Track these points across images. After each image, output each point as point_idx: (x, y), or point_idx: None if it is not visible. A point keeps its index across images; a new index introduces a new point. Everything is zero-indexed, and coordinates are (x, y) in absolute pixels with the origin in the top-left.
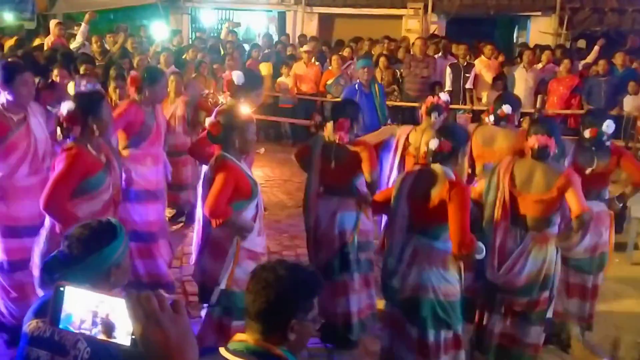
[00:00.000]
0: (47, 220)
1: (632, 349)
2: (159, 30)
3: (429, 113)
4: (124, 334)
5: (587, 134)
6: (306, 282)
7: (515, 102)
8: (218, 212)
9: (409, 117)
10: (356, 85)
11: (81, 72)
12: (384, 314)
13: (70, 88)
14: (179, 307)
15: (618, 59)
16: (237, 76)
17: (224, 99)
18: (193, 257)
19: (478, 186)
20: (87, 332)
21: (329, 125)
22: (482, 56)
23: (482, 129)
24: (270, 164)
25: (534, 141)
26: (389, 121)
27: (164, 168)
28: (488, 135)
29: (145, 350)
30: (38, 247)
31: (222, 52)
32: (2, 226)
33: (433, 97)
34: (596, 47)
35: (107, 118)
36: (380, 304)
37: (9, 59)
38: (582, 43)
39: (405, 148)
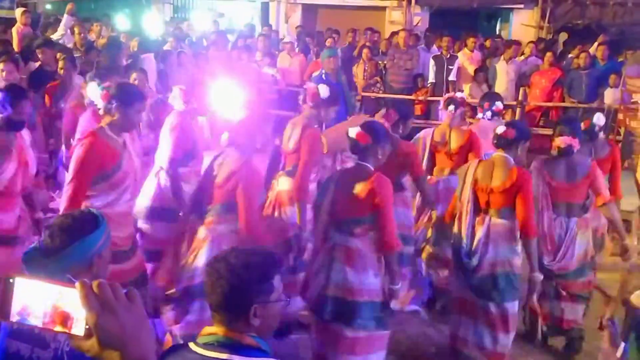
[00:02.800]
0: None
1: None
2: (150, 21)
3: (446, 106)
4: (80, 324)
5: (582, 126)
6: (259, 266)
7: (502, 99)
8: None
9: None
10: (323, 75)
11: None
12: (452, 300)
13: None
14: (134, 295)
15: (599, 51)
16: (323, 89)
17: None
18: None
19: None
20: (42, 325)
21: (379, 114)
22: (465, 49)
23: (474, 125)
24: (255, 154)
25: (560, 142)
26: (356, 110)
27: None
28: (482, 129)
29: (100, 339)
30: None
31: (204, 43)
32: None
33: (449, 92)
34: (595, 44)
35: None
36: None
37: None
38: (563, 36)
39: (433, 146)
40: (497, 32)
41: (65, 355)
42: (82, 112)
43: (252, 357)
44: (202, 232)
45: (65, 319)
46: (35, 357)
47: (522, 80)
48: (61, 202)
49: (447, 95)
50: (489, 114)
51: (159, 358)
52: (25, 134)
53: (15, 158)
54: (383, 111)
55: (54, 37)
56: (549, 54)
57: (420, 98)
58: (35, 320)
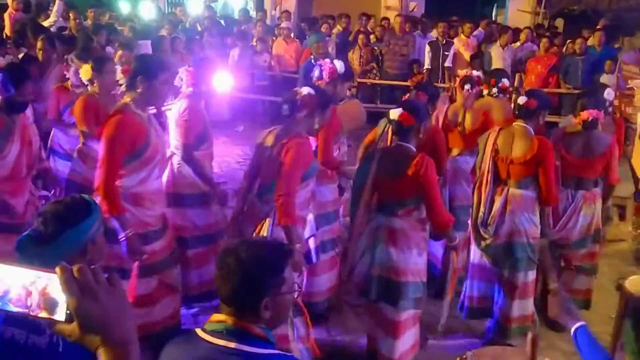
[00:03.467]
0: None
1: (605, 324)
2: (147, 9)
3: (462, 85)
4: (62, 309)
5: None
6: (270, 259)
7: (509, 76)
8: None
9: (388, 95)
10: (312, 60)
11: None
12: (471, 266)
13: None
14: (115, 279)
15: (595, 37)
16: (339, 64)
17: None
18: None
19: None
20: (23, 311)
21: (406, 97)
22: (461, 34)
23: (479, 102)
24: (249, 142)
25: (586, 115)
26: (348, 94)
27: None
28: (486, 107)
29: (81, 324)
30: None
31: (199, 28)
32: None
33: (467, 72)
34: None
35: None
36: None
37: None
38: (559, 22)
39: (445, 125)
40: (493, 18)
41: (60, 341)
42: (65, 94)
43: (259, 348)
44: (263, 209)
45: (47, 304)
46: (31, 343)
47: (517, 66)
48: (95, 183)
49: (463, 73)
50: (494, 90)
51: (166, 343)
52: (27, 111)
53: (18, 139)
54: (413, 94)
55: (46, 23)
56: (544, 40)
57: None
58: (17, 306)
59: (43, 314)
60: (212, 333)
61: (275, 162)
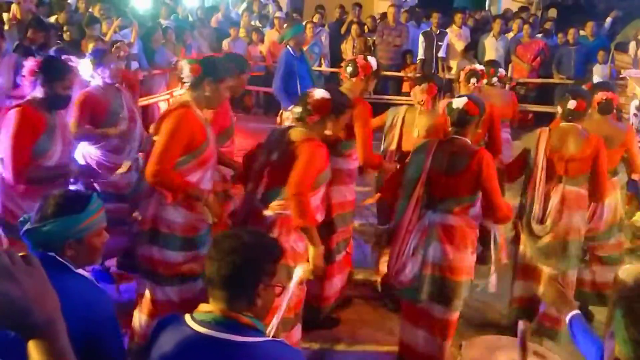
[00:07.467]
0: None
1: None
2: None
3: (468, 79)
4: None
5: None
6: (270, 247)
7: (503, 66)
8: None
9: (381, 86)
10: (291, 50)
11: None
12: (517, 266)
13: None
14: (31, 259)
15: (588, 28)
16: (373, 61)
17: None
18: None
19: None
20: None
21: (416, 88)
22: (453, 25)
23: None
24: (242, 133)
25: (601, 96)
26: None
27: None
28: (486, 95)
29: (2, 307)
30: None
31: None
32: (181, 240)
33: (471, 66)
34: (608, 19)
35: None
36: None
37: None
38: (552, 12)
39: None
40: (487, 8)
41: None
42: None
43: (250, 337)
44: (269, 214)
45: None
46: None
47: (510, 56)
48: (147, 174)
49: (467, 67)
50: (494, 79)
51: (156, 327)
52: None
53: (60, 138)
54: (425, 86)
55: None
56: (526, 27)
57: (409, 75)
58: None
59: None
60: (202, 323)
61: (284, 165)
